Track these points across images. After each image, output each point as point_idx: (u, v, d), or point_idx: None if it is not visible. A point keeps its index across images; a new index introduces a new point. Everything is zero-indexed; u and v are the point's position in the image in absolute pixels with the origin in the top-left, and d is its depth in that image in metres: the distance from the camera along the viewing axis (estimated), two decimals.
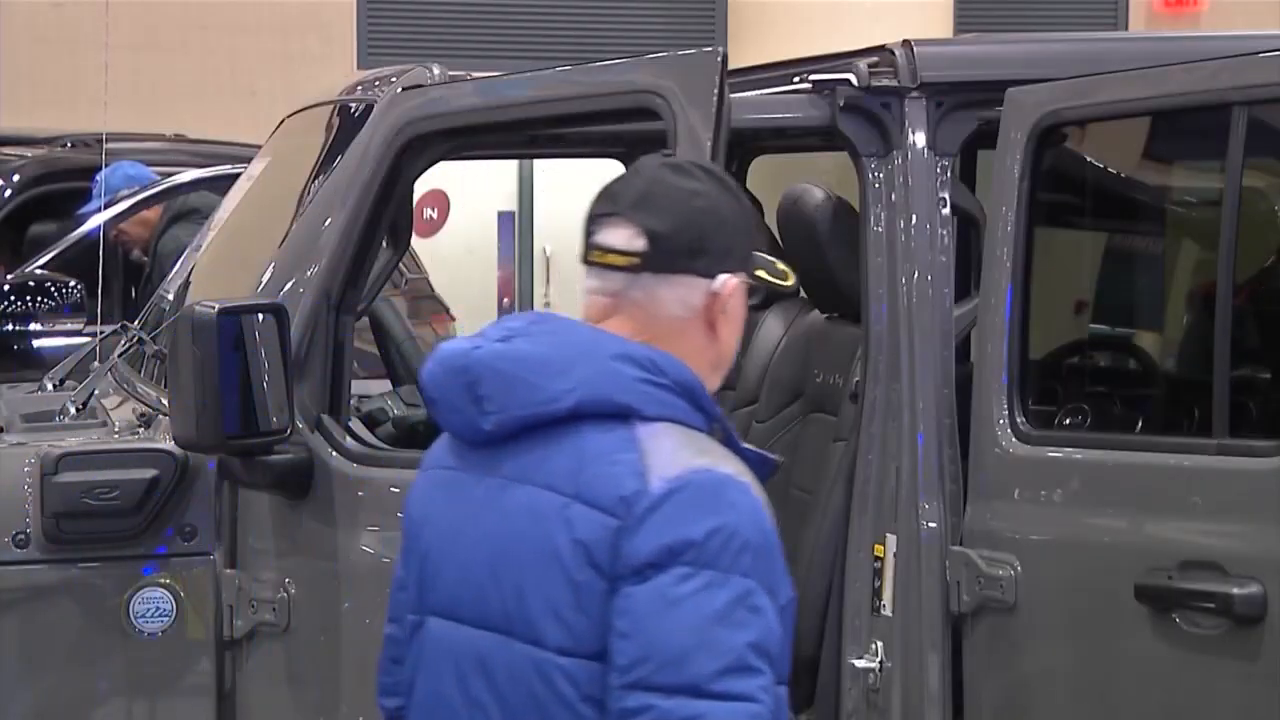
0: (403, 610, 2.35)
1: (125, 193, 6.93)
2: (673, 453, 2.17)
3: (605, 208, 2.31)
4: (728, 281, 2.29)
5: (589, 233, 2.32)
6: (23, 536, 3.38)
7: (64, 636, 3.42)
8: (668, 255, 2.28)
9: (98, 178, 6.55)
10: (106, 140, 6.37)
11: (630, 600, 2.11)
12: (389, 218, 3.63)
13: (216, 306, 3.23)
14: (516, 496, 2.22)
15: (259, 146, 4.58)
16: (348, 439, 3.44)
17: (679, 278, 2.28)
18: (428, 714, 2.28)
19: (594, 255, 2.30)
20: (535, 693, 2.15)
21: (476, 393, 2.23)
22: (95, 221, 6.70)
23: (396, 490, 3.36)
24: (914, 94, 3.60)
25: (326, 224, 3.55)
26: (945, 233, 3.60)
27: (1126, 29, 12.21)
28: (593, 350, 2.23)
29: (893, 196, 3.60)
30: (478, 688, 2.20)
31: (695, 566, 2.11)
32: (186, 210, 6.73)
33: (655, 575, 2.11)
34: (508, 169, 11.50)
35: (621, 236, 2.29)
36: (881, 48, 3.68)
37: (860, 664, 3.55)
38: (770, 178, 4.76)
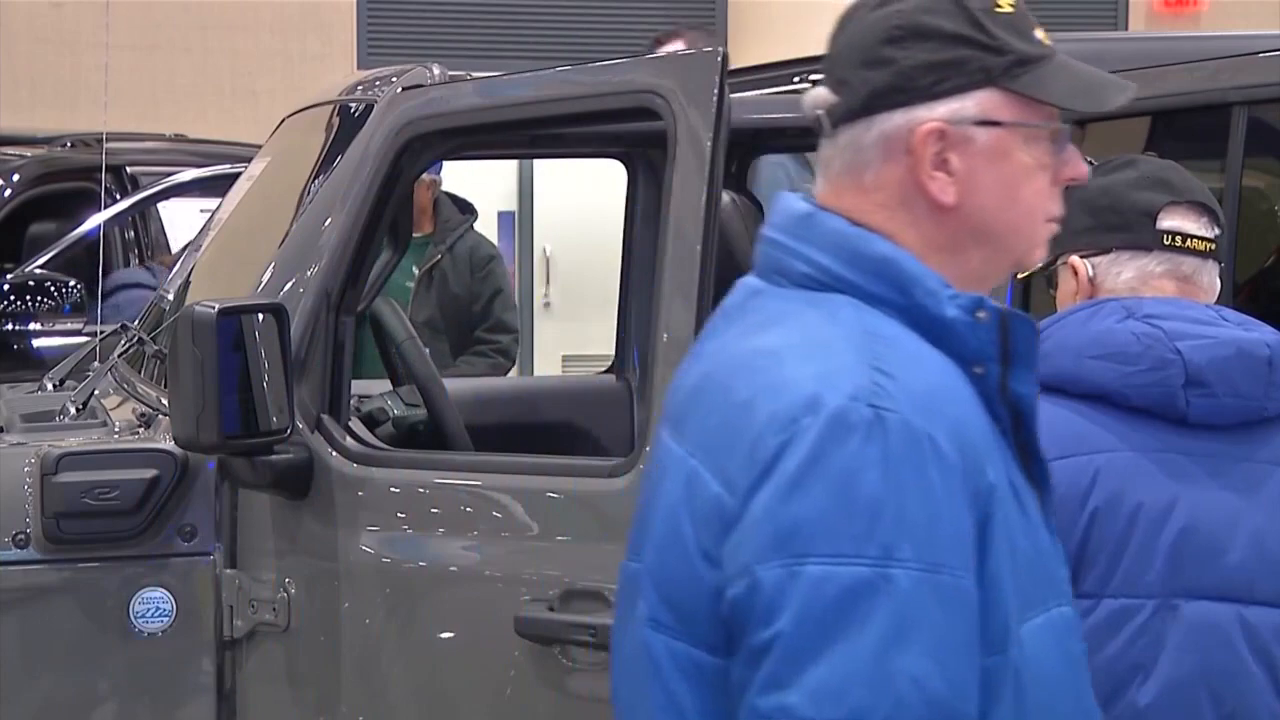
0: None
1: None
2: None
3: (1165, 195, 2.41)
4: None
5: (1153, 218, 2.40)
6: (23, 536, 3.38)
7: (64, 636, 3.41)
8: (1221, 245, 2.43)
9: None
10: (106, 140, 6.37)
11: None
12: (389, 218, 3.63)
13: (216, 306, 3.22)
14: None
15: (259, 146, 4.58)
16: (348, 439, 3.43)
17: None
18: (1187, 688, 2.29)
19: (1172, 240, 2.38)
20: None
21: (1273, 379, 2.32)
22: (95, 221, 6.70)
23: (396, 490, 3.36)
24: None
25: (326, 224, 3.55)
26: None
27: (1126, 29, 12.21)
28: None
29: None
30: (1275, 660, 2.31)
31: None
32: None
33: None
34: (508, 169, 11.49)
35: (1200, 223, 2.41)
36: None
37: None
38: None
